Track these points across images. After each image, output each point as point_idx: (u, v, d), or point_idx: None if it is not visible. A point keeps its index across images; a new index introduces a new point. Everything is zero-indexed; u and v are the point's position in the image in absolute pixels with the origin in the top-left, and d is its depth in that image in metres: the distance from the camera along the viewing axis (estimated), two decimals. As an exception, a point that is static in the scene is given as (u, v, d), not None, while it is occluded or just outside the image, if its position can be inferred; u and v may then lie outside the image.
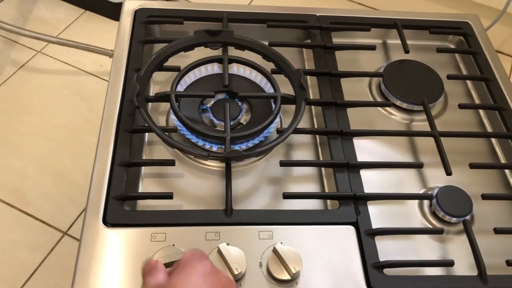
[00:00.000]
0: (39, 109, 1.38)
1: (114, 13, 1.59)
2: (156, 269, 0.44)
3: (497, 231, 0.59)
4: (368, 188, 0.61)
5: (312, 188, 0.64)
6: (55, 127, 1.35)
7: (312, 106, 0.72)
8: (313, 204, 0.61)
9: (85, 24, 1.60)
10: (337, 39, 0.79)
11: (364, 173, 0.63)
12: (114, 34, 0.75)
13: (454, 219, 0.60)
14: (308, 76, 0.74)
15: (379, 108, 0.73)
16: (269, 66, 0.69)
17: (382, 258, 0.55)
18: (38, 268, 1.09)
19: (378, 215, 0.60)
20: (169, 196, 0.57)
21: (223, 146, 0.61)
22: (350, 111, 0.69)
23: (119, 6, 0.80)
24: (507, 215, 0.63)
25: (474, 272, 0.55)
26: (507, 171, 0.68)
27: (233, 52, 0.71)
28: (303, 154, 0.67)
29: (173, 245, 0.53)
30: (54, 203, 1.20)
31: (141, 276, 0.45)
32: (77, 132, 1.33)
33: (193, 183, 0.62)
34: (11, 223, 1.16)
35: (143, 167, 0.63)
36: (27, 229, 1.15)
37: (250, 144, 0.64)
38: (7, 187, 1.22)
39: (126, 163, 0.60)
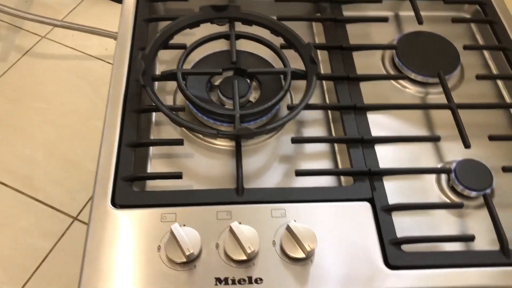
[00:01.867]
0: (46, 95, 1.37)
1: (118, -4, 1.57)
2: None
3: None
4: (383, 164, 0.59)
5: (325, 165, 0.62)
6: (63, 113, 1.34)
7: (324, 82, 0.70)
8: (326, 182, 0.60)
9: (89, 8, 1.58)
10: (347, 12, 0.76)
11: (379, 148, 0.61)
12: (119, 17, 0.73)
13: (473, 193, 0.58)
14: (319, 51, 0.72)
15: (393, 81, 0.71)
16: (278, 41, 0.67)
17: (400, 234, 0.53)
18: (49, 254, 1.10)
19: (395, 191, 0.58)
20: (178, 175, 0.56)
21: (232, 125, 0.59)
22: (363, 86, 0.67)
23: (123, -12, 0.78)
24: (529, 188, 0.61)
25: (496, 247, 0.53)
26: (528, 143, 0.65)
27: (240, 28, 0.69)
28: (315, 130, 0.65)
29: (184, 225, 0.51)
30: (64, 189, 1.20)
31: None
32: (85, 118, 1.33)
33: (203, 163, 0.61)
34: (21, 210, 1.16)
35: (151, 148, 0.62)
36: (37, 215, 1.15)
37: (259, 122, 0.62)
38: (17, 174, 1.22)
39: (134, 143, 0.58)
